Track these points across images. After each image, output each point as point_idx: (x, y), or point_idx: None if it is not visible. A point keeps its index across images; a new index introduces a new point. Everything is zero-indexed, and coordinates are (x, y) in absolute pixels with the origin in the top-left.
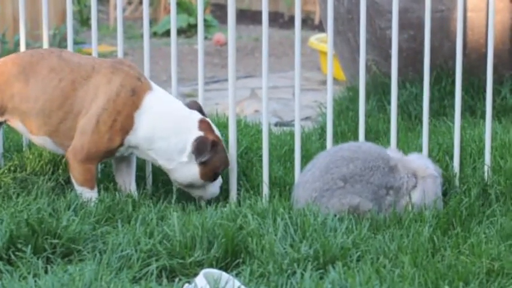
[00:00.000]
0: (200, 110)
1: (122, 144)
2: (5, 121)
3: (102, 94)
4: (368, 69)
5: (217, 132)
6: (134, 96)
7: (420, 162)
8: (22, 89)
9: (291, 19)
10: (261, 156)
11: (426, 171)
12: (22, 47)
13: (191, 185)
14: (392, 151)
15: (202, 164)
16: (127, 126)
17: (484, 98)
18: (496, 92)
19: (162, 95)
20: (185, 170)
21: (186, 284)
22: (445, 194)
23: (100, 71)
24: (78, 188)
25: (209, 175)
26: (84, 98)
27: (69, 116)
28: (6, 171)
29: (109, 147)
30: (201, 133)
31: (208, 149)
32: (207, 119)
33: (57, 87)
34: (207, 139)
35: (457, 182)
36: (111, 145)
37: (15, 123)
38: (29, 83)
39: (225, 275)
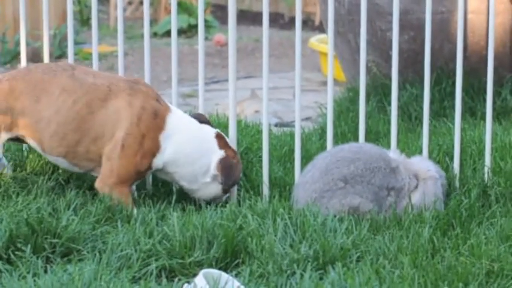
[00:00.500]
0: (208, 122)
1: (150, 167)
2: (16, 137)
3: (124, 118)
4: (368, 70)
5: (230, 143)
6: (157, 119)
7: (422, 164)
8: (34, 109)
9: (292, 20)
10: (261, 156)
11: (427, 173)
12: (22, 47)
13: (212, 199)
14: (394, 153)
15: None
16: (154, 149)
17: (484, 100)
18: (496, 94)
19: (182, 116)
20: (208, 188)
21: (186, 284)
22: (448, 195)
23: (118, 93)
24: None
25: (230, 188)
26: (105, 123)
27: (85, 139)
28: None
29: (138, 170)
30: (222, 152)
31: (235, 172)
32: (220, 132)
33: (71, 109)
34: (231, 162)
35: (457, 183)
36: (140, 168)
37: (28, 140)
38: (41, 103)
39: (224, 275)
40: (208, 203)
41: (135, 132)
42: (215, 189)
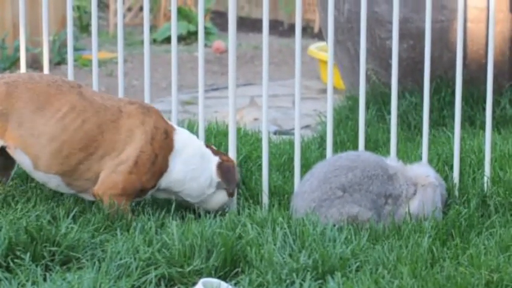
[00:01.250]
0: None
1: (154, 186)
2: (4, 147)
3: (138, 136)
4: (367, 78)
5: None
6: (168, 139)
7: (421, 170)
8: (33, 120)
9: (291, 27)
10: (260, 165)
11: (427, 179)
12: (22, 53)
13: (221, 207)
14: (392, 160)
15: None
16: (162, 169)
17: (484, 109)
18: (496, 103)
19: (185, 134)
20: (216, 198)
21: None
22: (447, 204)
23: (130, 113)
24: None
25: (234, 192)
26: (116, 141)
27: (91, 158)
28: None
29: (144, 187)
30: (216, 158)
31: (235, 173)
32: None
33: (80, 128)
34: (228, 164)
35: (456, 193)
36: (147, 186)
37: (18, 154)
38: (44, 117)
39: (223, 284)
40: (208, 211)
41: (149, 150)
42: (222, 196)
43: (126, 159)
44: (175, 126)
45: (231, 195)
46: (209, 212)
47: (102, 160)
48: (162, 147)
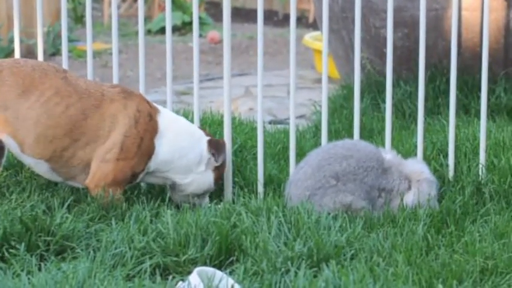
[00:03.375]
0: None
1: (143, 170)
2: None
3: (121, 121)
4: (362, 67)
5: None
6: (152, 121)
7: (416, 166)
8: (19, 105)
9: (285, 17)
10: (255, 154)
11: (421, 175)
12: (16, 45)
13: (204, 193)
14: (388, 153)
15: (216, 168)
16: (150, 151)
17: (478, 97)
18: (490, 91)
19: (169, 115)
20: (202, 178)
21: (180, 282)
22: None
23: (112, 98)
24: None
25: (221, 177)
26: (100, 127)
27: (75, 144)
28: None
29: (134, 172)
30: (208, 137)
31: (224, 149)
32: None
33: (65, 114)
34: (219, 140)
35: (451, 181)
36: (136, 170)
37: (5, 138)
38: (29, 101)
39: (218, 273)
40: (194, 204)
41: (133, 134)
42: (208, 178)
43: (113, 146)
44: (159, 107)
45: (217, 179)
46: (201, 204)
47: (87, 147)
48: (146, 130)
